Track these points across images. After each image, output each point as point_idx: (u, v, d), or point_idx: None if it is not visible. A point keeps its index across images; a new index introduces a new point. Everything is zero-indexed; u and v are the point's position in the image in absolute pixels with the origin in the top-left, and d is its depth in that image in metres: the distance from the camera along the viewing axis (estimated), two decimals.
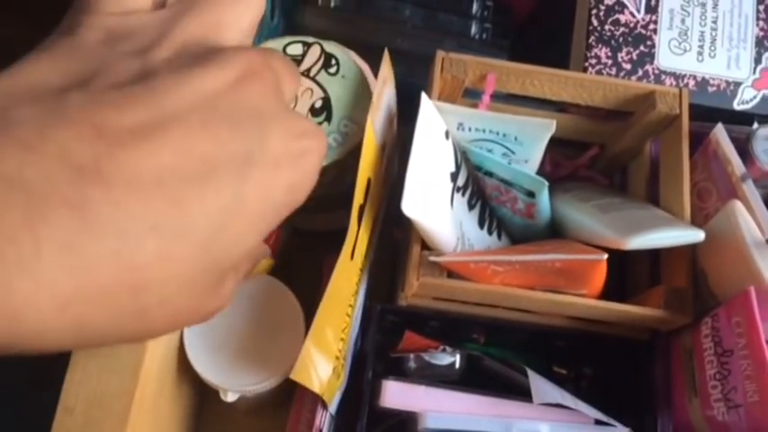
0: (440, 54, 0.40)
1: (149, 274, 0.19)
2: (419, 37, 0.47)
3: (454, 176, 0.39)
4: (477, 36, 0.48)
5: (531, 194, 0.39)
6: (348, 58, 0.39)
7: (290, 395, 0.45)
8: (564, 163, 0.49)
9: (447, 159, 0.38)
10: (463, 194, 0.40)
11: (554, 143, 0.47)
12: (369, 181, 0.34)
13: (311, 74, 0.37)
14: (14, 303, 0.17)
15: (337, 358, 0.33)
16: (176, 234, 0.20)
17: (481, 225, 0.42)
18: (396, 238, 0.45)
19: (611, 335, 0.42)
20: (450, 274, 0.37)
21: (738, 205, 0.36)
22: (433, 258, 0.35)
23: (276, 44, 0.39)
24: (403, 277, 0.37)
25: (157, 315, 0.21)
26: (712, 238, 0.36)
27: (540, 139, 0.39)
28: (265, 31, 0.44)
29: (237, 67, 0.23)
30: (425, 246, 0.37)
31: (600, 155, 0.48)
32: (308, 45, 0.38)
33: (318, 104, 0.37)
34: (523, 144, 0.39)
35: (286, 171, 0.23)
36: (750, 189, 0.39)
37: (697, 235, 0.36)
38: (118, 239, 0.19)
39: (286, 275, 0.42)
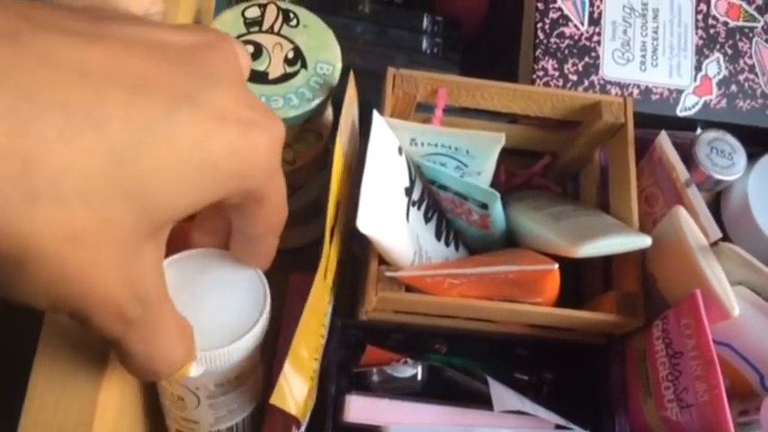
0: (391, 71, 0.41)
1: (47, 152, 0.18)
2: (370, 53, 0.48)
3: (409, 191, 0.39)
4: (428, 51, 0.49)
5: (484, 206, 0.39)
6: (303, 10, 0.41)
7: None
8: (518, 172, 0.50)
9: (401, 175, 0.38)
10: (419, 208, 0.41)
11: (507, 153, 0.48)
12: (338, 204, 0.34)
13: (275, 30, 0.40)
14: None
15: (312, 378, 0.34)
16: (87, 121, 0.18)
17: (438, 237, 0.43)
18: (355, 253, 0.45)
19: (570, 340, 0.43)
20: (409, 288, 0.38)
21: (682, 211, 0.37)
22: (389, 274, 0.35)
23: (234, 11, 0.40)
24: (362, 292, 0.37)
25: (48, 215, 0.18)
26: (659, 243, 0.38)
27: (491, 152, 0.39)
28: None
29: (197, 34, 0.22)
30: (383, 260, 0.37)
31: (552, 163, 0.49)
32: (263, 6, 0.40)
33: (291, 55, 0.39)
34: (475, 157, 0.40)
35: (230, 130, 0.21)
36: (694, 194, 0.40)
37: (644, 241, 0.37)
38: (18, 96, 0.17)
39: None
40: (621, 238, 0.37)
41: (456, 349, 0.45)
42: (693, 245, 0.36)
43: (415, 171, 0.40)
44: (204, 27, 0.23)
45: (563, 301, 0.39)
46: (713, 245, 0.37)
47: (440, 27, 0.49)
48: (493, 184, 0.47)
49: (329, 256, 0.34)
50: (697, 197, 0.40)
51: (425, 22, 0.49)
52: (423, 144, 0.39)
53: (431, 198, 0.42)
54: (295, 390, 0.32)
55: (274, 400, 0.30)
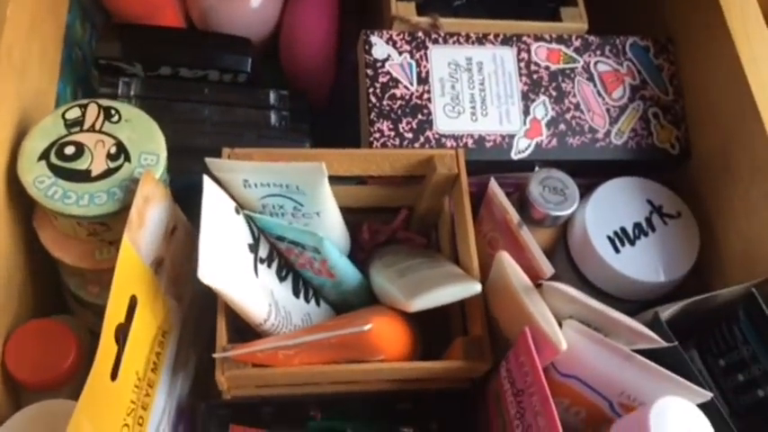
0: (226, 151, 0.42)
1: None
2: (219, 134, 0.49)
3: (253, 248, 0.40)
4: (276, 125, 0.50)
5: (317, 251, 0.40)
6: (125, 105, 0.42)
7: None
8: (381, 228, 0.51)
9: (241, 232, 0.39)
10: (269, 266, 0.41)
11: (369, 212, 0.50)
12: (134, 298, 0.34)
13: (96, 128, 0.41)
14: None
15: None
16: None
17: (297, 294, 0.43)
18: None
19: (450, 388, 0.43)
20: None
21: (505, 256, 0.39)
22: (217, 355, 0.36)
23: (54, 115, 0.41)
24: (211, 375, 0.38)
25: None
26: (492, 287, 0.39)
27: (319, 185, 0.39)
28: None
29: None
30: (230, 339, 0.38)
31: (410, 216, 0.50)
32: (84, 106, 0.41)
33: (113, 150, 0.40)
34: (306, 193, 0.40)
35: None
36: (526, 235, 0.42)
37: (474, 288, 0.38)
38: None
39: None
40: (450, 288, 0.38)
41: (332, 413, 0.45)
42: (518, 286, 0.37)
43: (259, 231, 0.41)
44: None
45: (434, 349, 0.40)
46: (538, 285, 0.38)
47: (286, 100, 0.51)
48: (357, 242, 0.49)
49: (119, 355, 0.33)
50: (529, 237, 0.41)
51: (272, 98, 0.51)
52: (256, 185, 0.40)
53: (282, 257, 0.43)
54: None
55: None
